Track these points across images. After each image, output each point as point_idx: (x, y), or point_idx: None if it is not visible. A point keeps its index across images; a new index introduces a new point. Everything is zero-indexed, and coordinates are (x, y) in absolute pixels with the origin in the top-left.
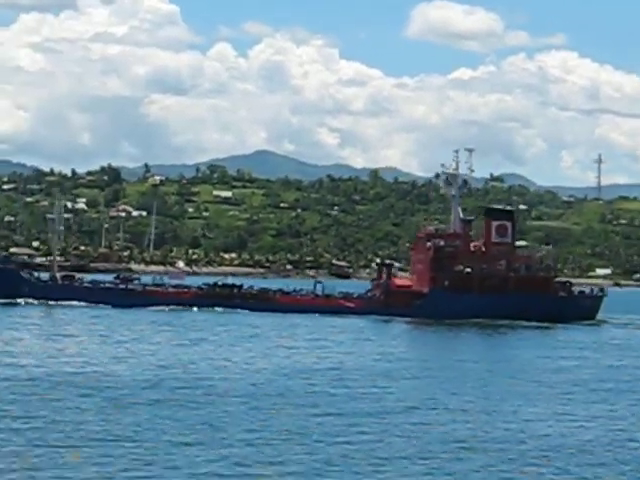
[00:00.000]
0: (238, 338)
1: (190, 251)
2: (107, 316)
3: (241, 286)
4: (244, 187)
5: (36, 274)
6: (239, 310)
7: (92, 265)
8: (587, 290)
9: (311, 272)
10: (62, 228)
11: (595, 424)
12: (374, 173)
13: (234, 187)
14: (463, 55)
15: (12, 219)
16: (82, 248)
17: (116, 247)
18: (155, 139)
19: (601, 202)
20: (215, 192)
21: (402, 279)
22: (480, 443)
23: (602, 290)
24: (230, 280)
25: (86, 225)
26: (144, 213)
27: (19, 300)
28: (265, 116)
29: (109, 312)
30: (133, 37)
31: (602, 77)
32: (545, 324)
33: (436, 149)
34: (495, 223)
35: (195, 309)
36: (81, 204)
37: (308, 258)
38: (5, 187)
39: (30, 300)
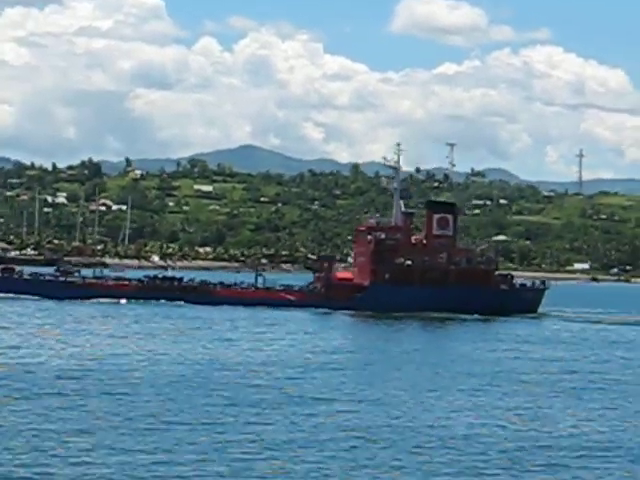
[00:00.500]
0: (170, 330)
1: (165, 245)
2: (44, 309)
3: (181, 279)
4: (225, 181)
5: None
6: (179, 303)
7: (65, 259)
8: (529, 283)
9: (285, 266)
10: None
11: (501, 415)
12: (355, 168)
13: (215, 181)
14: (448, 50)
15: None
16: (56, 242)
17: (90, 241)
18: (140, 134)
19: (582, 197)
20: (196, 186)
21: (343, 272)
22: (375, 433)
23: (544, 283)
24: (170, 273)
25: (65, 219)
26: (123, 207)
27: None
28: (250, 111)
29: (48, 304)
30: (118, 31)
31: (587, 72)
32: (486, 317)
33: (421, 144)
34: (436, 216)
35: (134, 301)
36: (61, 198)
37: (284, 252)
38: None
39: None
